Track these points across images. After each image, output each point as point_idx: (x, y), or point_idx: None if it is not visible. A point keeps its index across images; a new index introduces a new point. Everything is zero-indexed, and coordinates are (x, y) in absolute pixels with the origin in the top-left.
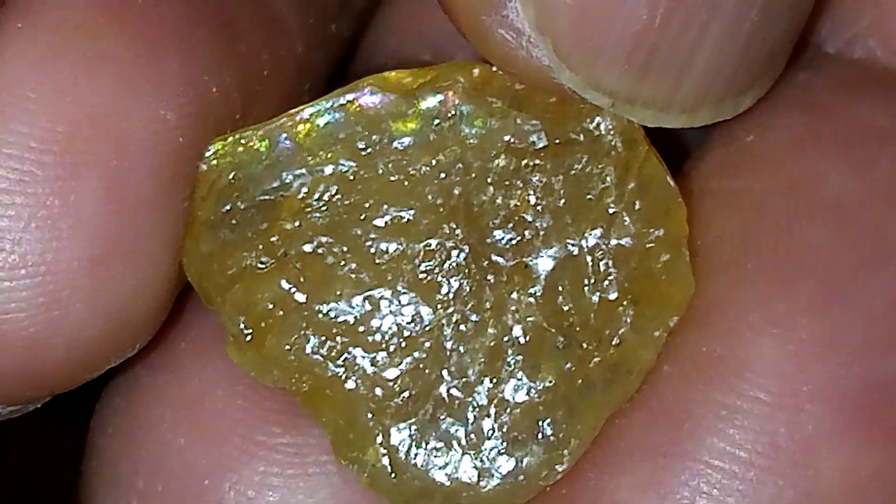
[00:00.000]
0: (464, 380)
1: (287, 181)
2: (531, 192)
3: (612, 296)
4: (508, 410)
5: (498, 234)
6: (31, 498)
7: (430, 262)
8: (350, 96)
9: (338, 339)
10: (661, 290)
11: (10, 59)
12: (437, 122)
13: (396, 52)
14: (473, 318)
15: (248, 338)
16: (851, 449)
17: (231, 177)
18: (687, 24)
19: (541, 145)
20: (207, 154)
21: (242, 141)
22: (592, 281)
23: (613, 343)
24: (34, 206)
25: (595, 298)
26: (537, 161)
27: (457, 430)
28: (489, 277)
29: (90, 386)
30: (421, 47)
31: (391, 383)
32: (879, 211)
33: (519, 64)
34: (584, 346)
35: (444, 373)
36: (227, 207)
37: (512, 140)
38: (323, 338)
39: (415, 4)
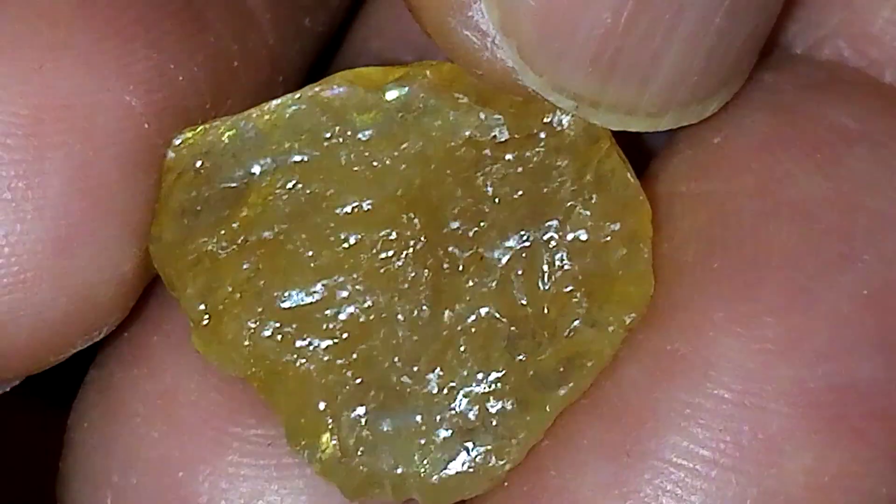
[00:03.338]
0: (415, 368)
1: (252, 170)
2: (490, 185)
3: (567, 288)
4: (458, 400)
5: (455, 224)
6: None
7: (388, 252)
8: (317, 88)
9: (293, 325)
10: (617, 287)
11: None
12: (401, 114)
13: (378, 53)
14: (428, 307)
15: (206, 321)
16: (816, 449)
17: (198, 165)
18: (651, 28)
19: (502, 139)
20: (176, 143)
21: (210, 131)
22: (547, 273)
23: (566, 335)
24: None
25: (549, 291)
26: (497, 153)
27: (407, 419)
28: (445, 267)
29: (70, 376)
30: (403, 49)
31: (343, 370)
32: (845, 212)
33: (483, 65)
34: (536, 337)
35: (397, 361)
36: (193, 195)
37: (474, 133)
38: (278, 324)
39: (398, 6)
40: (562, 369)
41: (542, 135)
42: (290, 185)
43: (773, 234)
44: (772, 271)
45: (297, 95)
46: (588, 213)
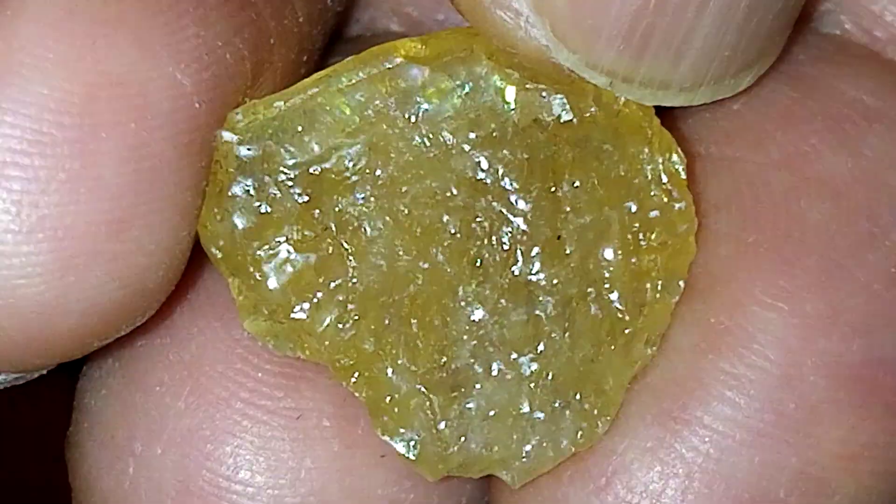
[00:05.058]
0: (504, 353)
1: (320, 154)
2: (565, 168)
3: (643, 267)
4: (548, 384)
5: (532, 207)
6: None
7: (467, 236)
8: (386, 65)
9: (380, 315)
10: (673, 257)
11: (28, 21)
12: (468, 97)
13: (370, 24)
14: (511, 291)
15: (293, 314)
16: (850, 420)
17: (261, 149)
18: (683, 3)
19: (567, 118)
20: (238, 124)
21: (270, 113)
22: (622, 254)
23: (644, 313)
24: (52, 168)
25: (627, 270)
26: (567, 135)
27: (498, 403)
28: (525, 251)
29: None
30: (416, 7)
31: (434, 357)
32: (871, 191)
33: (517, 43)
34: (619, 316)
35: (486, 347)
36: (259, 181)
37: (541, 114)
38: (366, 315)
39: None
40: (634, 343)
41: (602, 112)
42: (361, 170)
43: (805, 211)
44: (806, 248)
45: (360, 74)
46: (659, 193)
